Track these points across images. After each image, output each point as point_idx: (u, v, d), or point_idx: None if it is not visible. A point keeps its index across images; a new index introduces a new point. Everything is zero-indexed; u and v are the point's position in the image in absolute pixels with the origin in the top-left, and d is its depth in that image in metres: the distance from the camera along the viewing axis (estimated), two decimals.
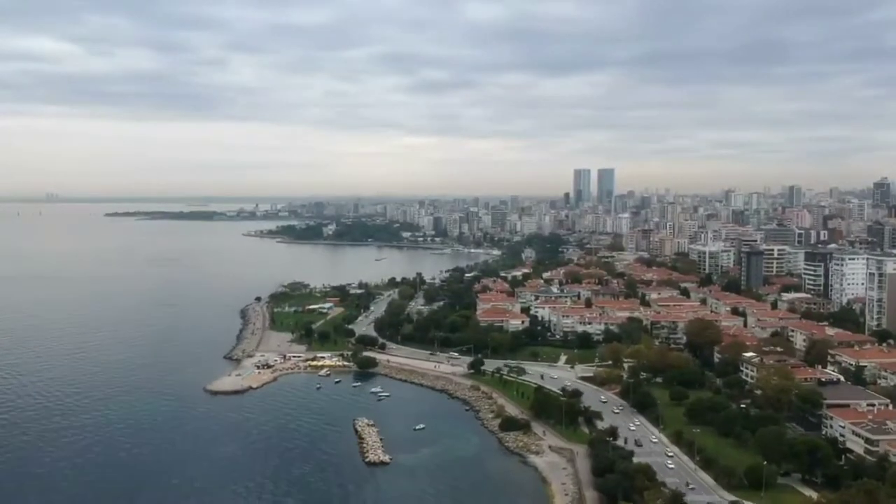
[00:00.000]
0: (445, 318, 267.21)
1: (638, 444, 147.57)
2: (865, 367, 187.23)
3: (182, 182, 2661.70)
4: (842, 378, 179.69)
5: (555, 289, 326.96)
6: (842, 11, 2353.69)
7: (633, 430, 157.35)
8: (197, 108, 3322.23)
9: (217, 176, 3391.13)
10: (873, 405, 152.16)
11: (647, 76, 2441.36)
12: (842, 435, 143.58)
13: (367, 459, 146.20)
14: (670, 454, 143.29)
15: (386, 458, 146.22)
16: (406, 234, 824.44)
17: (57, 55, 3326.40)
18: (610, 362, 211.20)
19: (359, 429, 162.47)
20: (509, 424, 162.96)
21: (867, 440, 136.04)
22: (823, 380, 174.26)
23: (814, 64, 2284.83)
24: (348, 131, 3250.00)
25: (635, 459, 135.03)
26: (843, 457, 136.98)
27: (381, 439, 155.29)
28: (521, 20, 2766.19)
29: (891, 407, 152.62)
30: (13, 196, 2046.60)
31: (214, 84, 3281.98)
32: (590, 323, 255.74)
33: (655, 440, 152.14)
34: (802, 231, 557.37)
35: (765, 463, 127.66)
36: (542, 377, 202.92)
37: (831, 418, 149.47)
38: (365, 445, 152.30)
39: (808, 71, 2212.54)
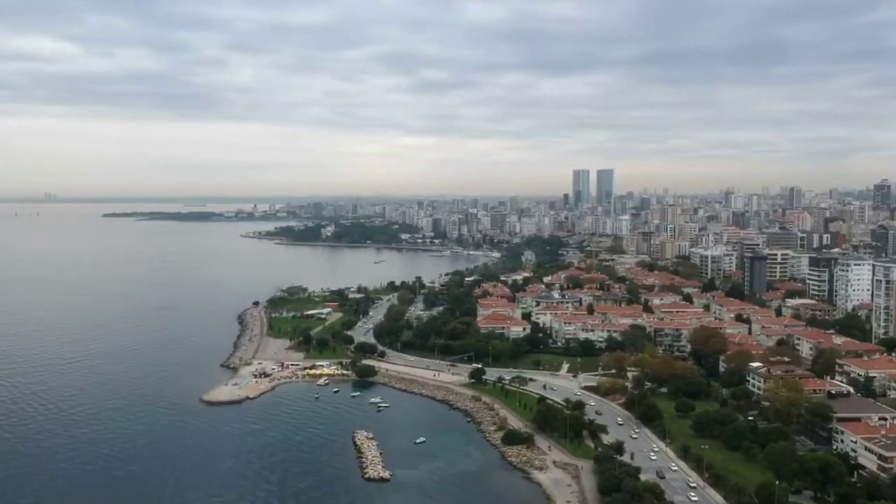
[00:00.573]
0: (445, 325, 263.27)
1: (660, 475, 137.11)
2: (875, 377, 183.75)
3: (181, 182, 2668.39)
4: (851, 390, 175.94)
5: (556, 294, 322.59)
6: (842, 11, 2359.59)
7: (654, 459, 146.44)
8: (196, 108, 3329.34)
9: (216, 176, 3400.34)
10: (885, 419, 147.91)
11: (647, 76, 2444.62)
12: (853, 450, 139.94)
13: (366, 475, 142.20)
14: (692, 485, 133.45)
15: (386, 473, 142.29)
16: (405, 236, 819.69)
17: (57, 55, 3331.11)
18: (613, 371, 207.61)
19: (358, 442, 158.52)
20: (512, 438, 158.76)
21: (880, 456, 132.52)
22: (833, 392, 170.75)
23: (814, 64, 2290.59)
24: (348, 131, 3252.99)
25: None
26: (855, 473, 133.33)
27: (380, 453, 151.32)
28: (521, 20, 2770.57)
29: None
30: (11, 196, 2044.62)
31: (214, 84, 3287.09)
32: (592, 330, 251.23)
33: (676, 468, 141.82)
34: (804, 234, 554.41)
35: (777, 482, 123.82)
36: (544, 387, 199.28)
37: (842, 433, 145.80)
38: (364, 460, 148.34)
39: (808, 71, 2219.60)
